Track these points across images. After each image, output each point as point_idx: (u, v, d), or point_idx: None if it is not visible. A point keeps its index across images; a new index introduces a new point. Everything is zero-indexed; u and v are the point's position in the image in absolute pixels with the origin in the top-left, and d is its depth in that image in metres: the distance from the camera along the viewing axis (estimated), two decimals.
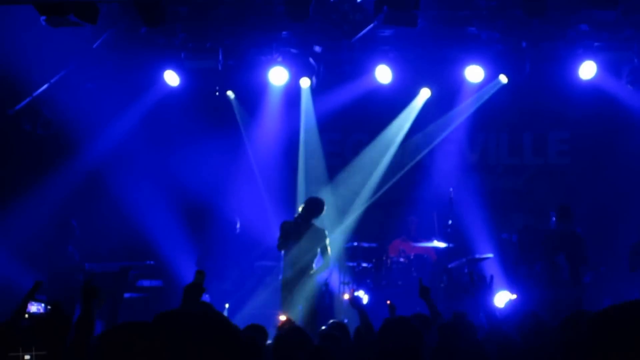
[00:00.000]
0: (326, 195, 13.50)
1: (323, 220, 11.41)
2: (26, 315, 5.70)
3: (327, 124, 14.46)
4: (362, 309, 7.28)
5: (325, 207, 11.02)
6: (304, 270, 10.68)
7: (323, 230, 10.95)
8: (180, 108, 13.74)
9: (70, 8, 9.62)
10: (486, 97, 13.68)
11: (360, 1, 11.32)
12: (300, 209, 10.94)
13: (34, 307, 5.75)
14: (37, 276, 11.74)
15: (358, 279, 12.60)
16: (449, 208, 12.35)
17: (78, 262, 12.21)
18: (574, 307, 9.33)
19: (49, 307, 5.63)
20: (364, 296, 11.91)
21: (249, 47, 13.16)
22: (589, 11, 10.90)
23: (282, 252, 10.86)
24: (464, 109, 14.05)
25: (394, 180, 14.54)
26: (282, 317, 8.48)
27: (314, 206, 10.88)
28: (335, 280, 12.43)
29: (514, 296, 11.22)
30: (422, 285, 7.45)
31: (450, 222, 12.34)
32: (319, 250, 10.78)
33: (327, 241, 10.85)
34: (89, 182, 13.41)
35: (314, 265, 10.78)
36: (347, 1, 11.65)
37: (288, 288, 10.66)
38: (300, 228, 10.72)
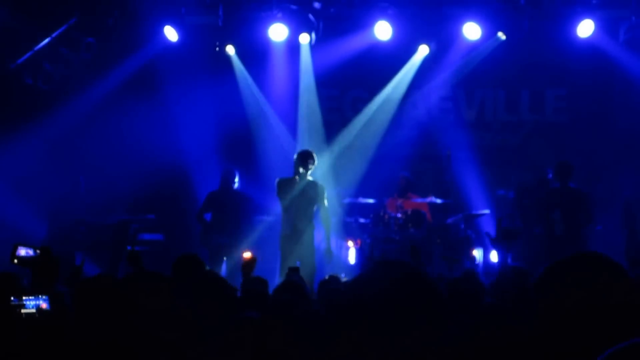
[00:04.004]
0: (324, 151, 13.60)
1: (319, 174, 11.42)
2: (15, 260, 5.82)
3: (325, 80, 14.51)
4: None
5: (316, 159, 10.78)
6: (303, 226, 10.67)
7: (322, 186, 10.86)
8: (180, 64, 13.75)
9: None
10: (484, 54, 13.72)
11: None
12: (294, 164, 10.72)
13: (23, 251, 5.83)
14: (36, 222, 12.04)
15: (355, 235, 12.69)
16: (446, 166, 12.44)
17: (80, 216, 12.36)
18: None
19: (38, 250, 5.74)
20: (353, 253, 12.05)
21: (249, 3, 13.17)
22: None
23: (282, 208, 10.84)
24: (462, 66, 14.09)
25: (392, 137, 14.62)
26: (247, 255, 7.70)
27: (306, 158, 10.63)
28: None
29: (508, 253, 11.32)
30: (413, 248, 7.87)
31: (447, 179, 12.44)
32: (316, 205, 10.74)
33: (325, 196, 10.78)
34: (88, 136, 13.49)
35: (312, 220, 10.82)
36: None
37: (287, 243, 10.65)
38: (297, 183, 10.64)
